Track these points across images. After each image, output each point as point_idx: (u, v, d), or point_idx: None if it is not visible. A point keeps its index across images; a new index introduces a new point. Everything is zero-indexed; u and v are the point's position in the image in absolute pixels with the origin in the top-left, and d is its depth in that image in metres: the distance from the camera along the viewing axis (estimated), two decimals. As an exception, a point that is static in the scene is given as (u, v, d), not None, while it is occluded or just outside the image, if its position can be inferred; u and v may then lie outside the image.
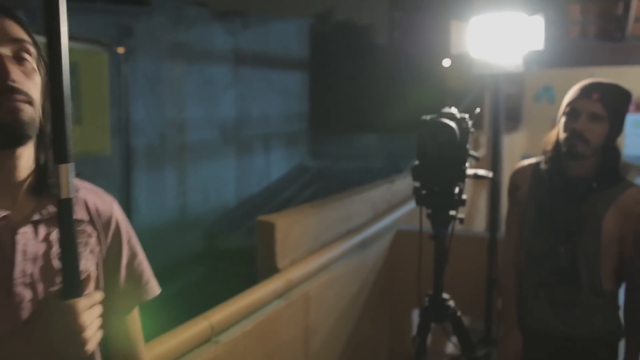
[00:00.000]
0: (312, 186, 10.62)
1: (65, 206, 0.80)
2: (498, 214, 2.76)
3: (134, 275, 1.08)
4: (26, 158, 0.92)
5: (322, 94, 12.08)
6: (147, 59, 7.59)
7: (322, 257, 2.64)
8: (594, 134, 1.77)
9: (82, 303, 0.81)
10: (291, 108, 11.07)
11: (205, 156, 8.48)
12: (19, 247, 0.89)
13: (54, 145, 0.80)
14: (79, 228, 0.97)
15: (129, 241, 1.07)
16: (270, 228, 2.42)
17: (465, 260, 2.63)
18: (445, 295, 1.83)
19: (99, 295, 0.85)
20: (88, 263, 0.98)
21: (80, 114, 7.19)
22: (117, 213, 1.06)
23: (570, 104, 1.84)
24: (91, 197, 1.03)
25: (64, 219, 0.81)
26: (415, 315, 3.54)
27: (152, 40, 7.27)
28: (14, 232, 0.89)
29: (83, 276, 0.88)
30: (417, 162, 1.77)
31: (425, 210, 1.79)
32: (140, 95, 7.54)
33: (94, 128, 6.86)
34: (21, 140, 0.88)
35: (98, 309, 0.84)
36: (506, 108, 6.58)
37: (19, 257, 0.88)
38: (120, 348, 1.09)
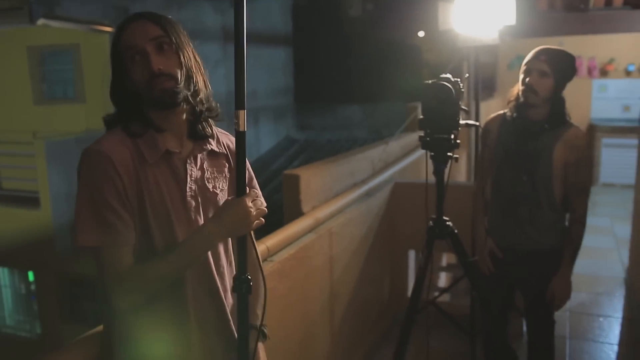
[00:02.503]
0: (300, 157, 11.10)
1: (241, 136, 1.27)
2: (480, 161, 3.31)
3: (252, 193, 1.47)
4: (184, 114, 1.37)
5: (305, 68, 12.47)
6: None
7: (337, 202, 3.18)
8: (542, 87, 2.35)
9: (247, 198, 1.30)
10: (277, 83, 11.50)
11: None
12: (188, 172, 1.36)
13: (236, 98, 1.26)
14: (218, 159, 1.45)
15: (248, 167, 1.47)
16: (295, 179, 2.95)
17: (454, 203, 3.17)
18: (445, 218, 2.39)
19: (255, 193, 1.35)
20: (223, 184, 1.46)
21: (84, 93, 7.55)
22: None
23: (525, 64, 2.42)
24: (224, 138, 1.50)
25: (239, 144, 1.28)
26: (411, 255, 4.13)
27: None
28: (184, 162, 1.37)
29: (222, 192, 1.42)
30: (422, 116, 2.31)
31: (429, 153, 2.34)
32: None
33: (97, 107, 7.22)
34: (174, 105, 1.31)
35: (258, 201, 1.34)
36: (482, 77, 7.12)
37: (188, 179, 1.36)
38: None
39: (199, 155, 1.40)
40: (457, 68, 6.11)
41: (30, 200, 7.15)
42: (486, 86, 9.14)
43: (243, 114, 1.24)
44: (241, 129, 1.24)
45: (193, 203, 1.37)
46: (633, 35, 8.31)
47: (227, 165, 1.48)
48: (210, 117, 1.43)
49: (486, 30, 3.05)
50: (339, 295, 3.10)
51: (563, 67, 2.38)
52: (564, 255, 2.45)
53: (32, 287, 8.25)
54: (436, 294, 3.03)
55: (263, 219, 1.32)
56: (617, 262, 5.22)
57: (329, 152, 10.98)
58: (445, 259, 5.08)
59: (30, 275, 8.26)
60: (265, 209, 1.34)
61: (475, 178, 2.69)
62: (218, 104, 1.44)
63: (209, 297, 1.41)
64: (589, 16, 6.78)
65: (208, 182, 1.40)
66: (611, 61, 9.46)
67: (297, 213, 2.91)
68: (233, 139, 1.47)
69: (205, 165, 1.41)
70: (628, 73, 9.47)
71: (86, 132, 7.24)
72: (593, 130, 9.15)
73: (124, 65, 1.30)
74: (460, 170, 6.36)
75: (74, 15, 6.44)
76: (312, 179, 3.07)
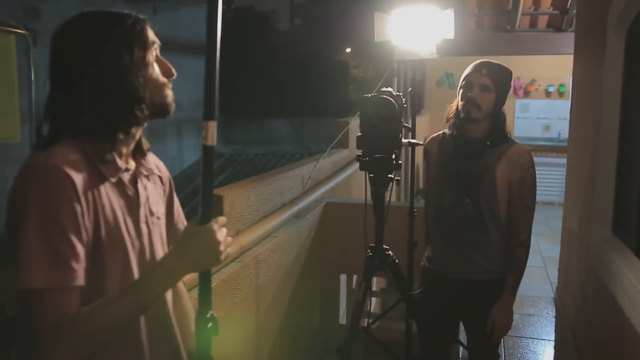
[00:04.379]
0: (225, 172, 10.71)
1: (209, 151, 1.07)
2: (415, 183, 3.15)
3: (180, 218, 1.39)
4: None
5: (231, 80, 12.14)
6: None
7: (264, 226, 2.89)
8: (484, 101, 2.23)
9: (215, 225, 1.10)
10: (202, 94, 11.08)
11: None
12: (140, 194, 1.18)
13: (205, 107, 1.06)
14: (156, 181, 1.28)
15: (175, 195, 1.38)
16: (218, 200, 2.64)
17: (391, 226, 2.98)
18: (385, 247, 2.17)
19: (224, 219, 1.13)
20: (163, 208, 1.29)
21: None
22: (169, 173, 1.36)
23: (465, 77, 2.29)
24: (154, 158, 1.32)
25: (207, 161, 1.08)
26: (343, 280, 3.90)
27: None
28: (135, 183, 1.18)
29: (162, 217, 1.27)
30: (360, 134, 2.08)
31: (367, 175, 2.11)
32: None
33: (3, 114, 6.58)
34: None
35: (225, 230, 1.13)
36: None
37: (141, 201, 1.18)
38: None
39: (143, 176, 1.23)
40: (388, 83, 6.02)
41: None
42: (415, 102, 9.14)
43: (213, 126, 1.07)
44: (209, 142, 1.07)
45: (146, 230, 1.20)
46: (553, 57, 8.59)
47: (162, 187, 1.32)
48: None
49: (424, 44, 2.89)
50: (266, 330, 2.80)
51: (504, 81, 2.29)
52: (506, 280, 2.28)
53: None
54: (369, 320, 2.81)
55: (229, 253, 1.16)
56: (546, 281, 5.22)
57: (255, 167, 10.67)
58: (376, 282, 4.89)
59: None
60: (231, 238, 1.17)
61: (427, 204, 2.50)
62: None
63: (165, 342, 1.26)
64: (514, 37, 6.93)
65: (152, 206, 1.24)
66: (532, 82, 9.76)
67: (220, 238, 2.60)
68: (160, 160, 1.36)
69: (147, 187, 1.24)
70: (548, 94, 9.80)
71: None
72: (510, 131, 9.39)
73: (142, 59, 1.13)
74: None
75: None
76: (236, 200, 2.77)
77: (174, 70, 1.20)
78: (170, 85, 1.19)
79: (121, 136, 1.13)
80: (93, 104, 1.09)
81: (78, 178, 1.03)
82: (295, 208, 3.35)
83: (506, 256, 2.31)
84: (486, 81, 2.22)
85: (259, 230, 2.82)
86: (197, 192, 9.40)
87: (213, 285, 2.16)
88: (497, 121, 2.29)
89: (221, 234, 1.11)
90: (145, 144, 1.24)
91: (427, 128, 8.82)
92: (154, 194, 1.25)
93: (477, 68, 2.26)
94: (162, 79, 1.18)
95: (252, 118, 12.09)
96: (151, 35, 1.18)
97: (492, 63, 2.28)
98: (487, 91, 2.23)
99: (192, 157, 11.05)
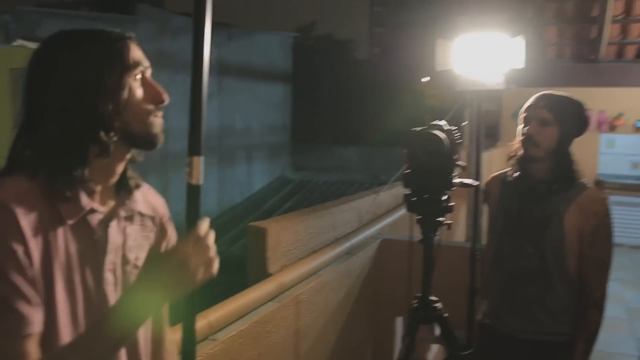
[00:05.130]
0: (294, 198, 10.69)
1: (194, 191, 0.94)
2: (479, 223, 2.90)
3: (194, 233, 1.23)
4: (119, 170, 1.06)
5: (304, 107, 12.20)
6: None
7: (311, 263, 2.72)
8: (543, 137, 1.96)
9: (186, 242, 0.97)
10: (273, 120, 11.17)
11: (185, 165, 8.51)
12: (110, 239, 1.02)
13: (190, 140, 0.92)
14: (144, 223, 1.12)
15: (169, 238, 1.19)
16: (262, 233, 2.50)
17: (448, 269, 2.74)
18: (433, 298, 1.94)
19: (198, 231, 0.98)
20: (144, 254, 1.11)
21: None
22: (167, 213, 1.20)
23: (524, 112, 2.04)
24: (151, 195, 1.17)
25: (192, 202, 0.96)
26: (399, 324, 3.65)
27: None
28: (106, 226, 1.02)
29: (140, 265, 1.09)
30: (408, 171, 1.88)
31: (415, 217, 1.90)
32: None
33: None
34: (156, 146, 1.04)
35: (204, 243, 0.98)
36: (485, 125, 6.77)
37: (109, 247, 1.02)
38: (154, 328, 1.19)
39: (122, 217, 1.07)
40: (459, 115, 5.75)
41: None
42: (489, 134, 8.77)
43: (199, 162, 0.93)
44: (194, 181, 0.94)
45: (111, 279, 1.04)
46: (642, 90, 8.00)
47: (154, 230, 1.15)
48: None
49: (490, 73, 2.67)
50: (306, 375, 2.61)
51: (568, 114, 2.00)
52: (576, 346, 1.98)
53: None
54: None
55: (215, 268, 1.00)
56: (631, 337, 4.71)
57: (324, 194, 10.58)
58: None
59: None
60: (214, 255, 1.01)
61: (486, 249, 2.25)
62: None
63: None
64: (599, 67, 6.49)
65: (130, 251, 1.07)
66: (619, 116, 9.11)
67: (263, 274, 2.46)
68: (159, 197, 1.21)
69: (127, 230, 1.08)
70: (637, 129, 9.12)
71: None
72: (600, 187, 8.76)
73: (123, 83, 0.98)
74: (458, 227, 5.89)
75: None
76: (282, 233, 2.62)
77: (165, 97, 1.03)
78: (159, 113, 1.03)
79: (80, 171, 0.96)
80: (48, 130, 0.96)
81: (24, 214, 0.90)
82: (348, 244, 3.17)
83: (576, 316, 2.01)
84: (544, 114, 1.97)
85: (304, 267, 2.66)
86: (265, 217, 9.40)
87: (244, 327, 2.04)
88: (562, 161, 2.02)
89: (195, 249, 0.97)
90: (134, 180, 1.09)
91: (503, 162, 8.40)
92: (136, 238, 1.09)
93: (536, 100, 2.02)
94: (146, 106, 1.02)
95: (323, 145, 12.07)
96: (136, 55, 1.02)
97: (553, 94, 2.02)
98: (547, 125, 1.97)
99: (261, 182, 11.12)
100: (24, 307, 0.89)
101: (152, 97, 1.02)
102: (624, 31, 6.09)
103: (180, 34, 8.22)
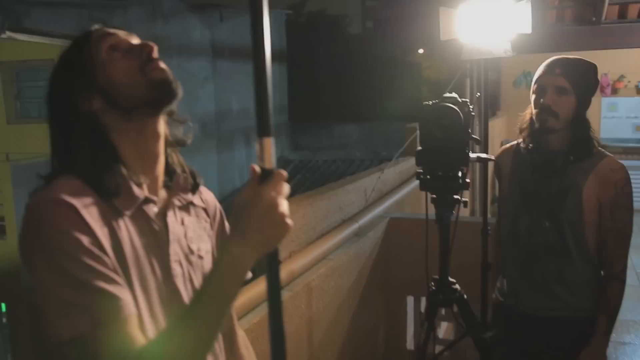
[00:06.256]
0: (294, 179, 10.60)
1: (267, 174, 0.85)
2: (487, 197, 2.80)
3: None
4: (162, 155, 1.04)
5: (300, 86, 12.04)
6: (124, 54, 7.38)
7: (320, 247, 2.63)
8: (561, 107, 1.85)
9: (266, 187, 0.85)
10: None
11: (186, 150, 8.41)
12: (170, 229, 1.01)
13: (258, 121, 0.83)
14: (198, 214, 1.11)
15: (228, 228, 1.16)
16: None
17: (459, 245, 2.66)
18: (451, 279, 1.85)
19: (281, 175, 0.88)
20: (208, 245, 1.11)
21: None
22: (218, 204, 1.20)
23: (537, 81, 1.92)
24: (201, 189, 1.15)
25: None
26: (410, 302, 3.58)
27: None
28: (163, 216, 1.01)
29: (207, 255, 1.09)
30: (420, 148, 1.78)
31: (429, 195, 1.81)
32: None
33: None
34: (175, 95, 0.99)
35: (285, 187, 0.88)
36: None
37: (171, 237, 1.01)
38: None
39: (177, 207, 1.06)
40: (460, 85, 5.62)
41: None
42: (489, 103, 8.67)
43: (270, 144, 0.84)
44: (267, 165, 0.84)
45: (179, 271, 1.02)
46: (644, 51, 7.85)
47: (208, 221, 1.15)
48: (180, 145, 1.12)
49: (496, 41, 2.55)
50: (321, 362, 2.54)
51: (585, 80, 1.89)
52: (597, 321, 1.91)
53: (4, 319, 7.81)
54: (439, 348, 2.49)
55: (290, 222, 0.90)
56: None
57: (324, 174, 10.48)
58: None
59: (3, 307, 7.81)
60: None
61: (498, 221, 2.17)
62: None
63: None
64: (601, 30, 6.33)
65: (192, 242, 1.06)
66: (621, 78, 8.98)
67: (271, 261, 2.37)
68: (208, 191, 1.19)
69: (185, 221, 1.07)
70: (639, 91, 8.99)
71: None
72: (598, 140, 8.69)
73: (93, 64, 0.96)
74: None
75: (44, 29, 5.93)
76: (290, 217, 2.53)
77: (149, 47, 0.98)
78: (153, 64, 0.98)
79: (109, 155, 0.96)
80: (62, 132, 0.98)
81: (85, 208, 0.88)
82: (356, 225, 3.08)
83: (596, 291, 1.93)
84: (562, 82, 1.85)
85: (314, 252, 2.57)
86: (265, 200, 9.30)
87: (255, 321, 1.95)
88: (581, 129, 1.92)
89: (276, 195, 0.87)
90: (181, 169, 1.08)
91: (503, 131, 8.29)
92: (194, 229, 1.07)
93: (550, 68, 1.89)
94: (131, 64, 0.97)
95: (322, 124, 11.93)
96: (104, 40, 0.98)
97: (567, 59, 1.90)
98: (564, 94, 1.86)
99: (261, 164, 11.00)
100: (114, 287, 0.86)
101: (136, 55, 0.98)
102: (626, -10, 5.94)
103: (171, 18, 8.03)
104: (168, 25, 7.93)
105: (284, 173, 0.88)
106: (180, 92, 1.00)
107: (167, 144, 1.07)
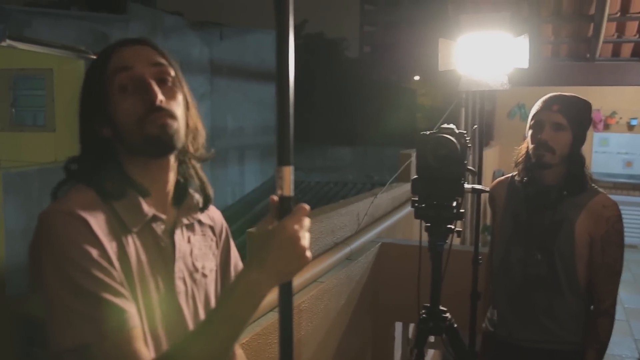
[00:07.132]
0: (286, 198, 10.61)
1: (286, 202, 0.88)
2: (480, 227, 2.82)
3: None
4: (172, 173, 1.06)
5: (296, 106, 12.11)
6: (122, 68, 7.42)
7: (311, 269, 2.64)
8: (558, 143, 1.89)
9: (289, 221, 0.88)
10: (266, 120, 11.05)
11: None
12: (177, 246, 1.04)
13: (278, 150, 0.86)
14: (205, 232, 1.14)
15: (233, 247, 1.22)
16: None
17: (449, 273, 2.67)
18: (442, 308, 1.86)
19: (304, 209, 0.92)
20: (212, 263, 1.13)
21: (54, 122, 7.05)
22: (225, 222, 1.21)
23: (534, 116, 1.95)
24: (210, 207, 1.16)
25: (284, 214, 0.89)
26: (398, 328, 3.58)
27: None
28: (171, 234, 1.04)
29: (211, 274, 1.11)
30: (416, 176, 1.81)
31: (423, 224, 1.83)
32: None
33: (66, 137, 6.72)
34: (170, 150, 1.01)
35: (306, 222, 0.91)
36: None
37: (177, 255, 1.03)
38: None
39: (185, 225, 1.09)
40: (455, 114, 5.68)
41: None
42: (483, 134, 8.75)
43: (289, 172, 0.87)
44: (286, 193, 0.88)
45: (182, 287, 1.04)
46: (636, 88, 7.97)
47: (214, 239, 1.17)
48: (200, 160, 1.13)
49: (494, 73, 2.59)
50: (307, 386, 2.53)
51: (581, 116, 1.94)
52: (586, 355, 1.92)
53: (-15, 328, 7.65)
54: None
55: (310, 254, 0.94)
56: (629, 338, 4.67)
57: (316, 195, 10.49)
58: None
59: (-16, 316, 7.66)
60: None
61: (490, 253, 2.18)
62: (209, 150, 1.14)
63: None
64: (595, 66, 6.43)
65: (197, 260, 1.09)
66: (613, 114, 9.10)
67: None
68: (215, 208, 1.21)
69: (191, 239, 1.09)
70: (631, 127, 9.11)
71: (54, 163, 6.70)
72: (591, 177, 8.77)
73: (106, 98, 0.99)
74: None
75: (45, 39, 5.96)
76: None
77: (157, 98, 0.97)
78: (155, 115, 0.98)
79: (129, 180, 1.00)
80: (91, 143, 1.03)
81: (95, 221, 0.92)
82: (348, 249, 3.09)
83: (585, 325, 1.95)
84: (559, 119, 1.89)
85: (305, 274, 2.57)
86: (256, 220, 9.31)
87: (245, 340, 1.94)
88: (575, 165, 1.95)
89: (299, 228, 0.89)
90: (199, 183, 1.10)
91: (496, 161, 8.35)
92: (200, 247, 1.10)
93: (547, 104, 1.93)
94: (134, 111, 0.98)
95: (316, 145, 11.97)
96: (118, 62, 1.00)
97: (564, 96, 1.94)
98: (561, 130, 1.89)
99: (254, 183, 11.02)
100: (120, 300, 0.88)
101: (141, 100, 0.98)
102: (620, 29, 6.04)
103: (171, 34, 8.10)
104: (168, 41, 8.00)
105: (307, 207, 0.91)
106: (180, 144, 1.02)
107: (188, 157, 1.08)
